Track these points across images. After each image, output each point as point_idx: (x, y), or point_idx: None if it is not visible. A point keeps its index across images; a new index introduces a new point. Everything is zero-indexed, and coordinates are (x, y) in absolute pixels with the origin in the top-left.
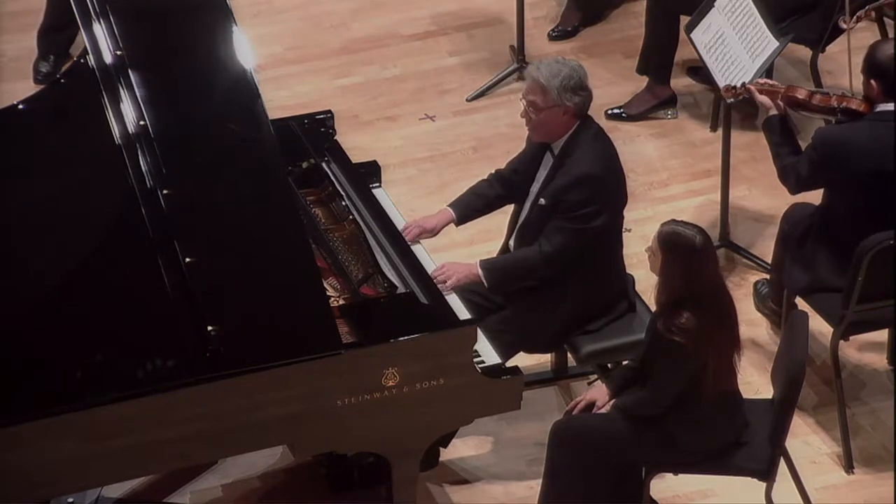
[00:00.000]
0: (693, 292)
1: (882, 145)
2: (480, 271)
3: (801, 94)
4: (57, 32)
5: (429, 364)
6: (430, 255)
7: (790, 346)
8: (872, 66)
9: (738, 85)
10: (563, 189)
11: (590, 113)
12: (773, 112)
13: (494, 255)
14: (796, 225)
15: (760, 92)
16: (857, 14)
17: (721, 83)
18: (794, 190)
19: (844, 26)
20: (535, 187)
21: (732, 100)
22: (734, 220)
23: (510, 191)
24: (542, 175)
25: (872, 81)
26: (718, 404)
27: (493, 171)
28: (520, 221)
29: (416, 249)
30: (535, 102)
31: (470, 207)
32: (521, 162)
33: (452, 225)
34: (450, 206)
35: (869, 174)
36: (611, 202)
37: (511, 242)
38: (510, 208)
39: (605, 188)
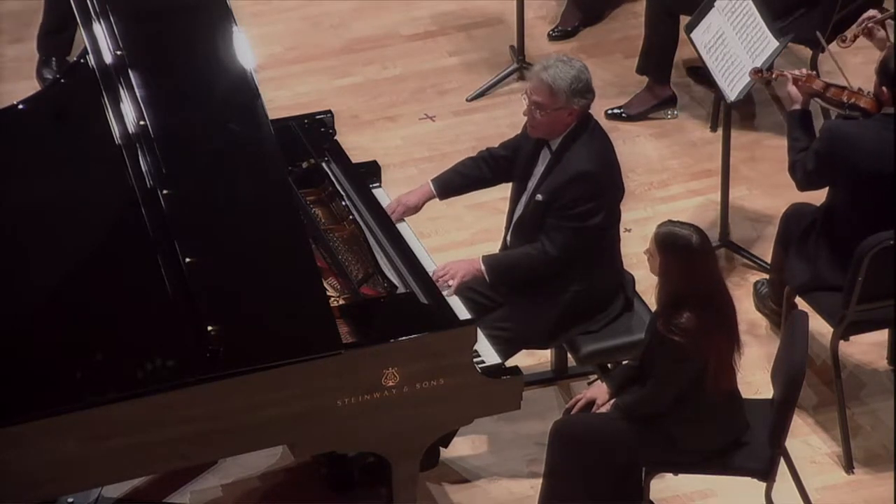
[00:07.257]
0: (692, 292)
1: (886, 146)
2: (483, 266)
3: (817, 86)
4: (56, 34)
5: (429, 364)
6: (429, 255)
7: (790, 346)
8: (886, 74)
9: (765, 69)
10: (560, 186)
11: (590, 112)
12: (798, 106)
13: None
14: (797, 223)
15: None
16: (854, 34)
17: (721, 83)
18: (800, 185)
19: (843, 45)
20: (531, 183)
21: (755, 82)
22: (734, 220)
23: (495, 174)
24: (538, 171)
25: (885, 88)
26: (718, 404)
27: (484, 150)
28: (515, 216)
29: (402, 227)
30: (541, 103)
31: (451, 184)
32: (512, 149)
33: (452, 225)
34: (432, 181)
35: (871, 173)
36: (607, 199)
37: (508, 237)
38: (504, 204)
39: (602, 185)
